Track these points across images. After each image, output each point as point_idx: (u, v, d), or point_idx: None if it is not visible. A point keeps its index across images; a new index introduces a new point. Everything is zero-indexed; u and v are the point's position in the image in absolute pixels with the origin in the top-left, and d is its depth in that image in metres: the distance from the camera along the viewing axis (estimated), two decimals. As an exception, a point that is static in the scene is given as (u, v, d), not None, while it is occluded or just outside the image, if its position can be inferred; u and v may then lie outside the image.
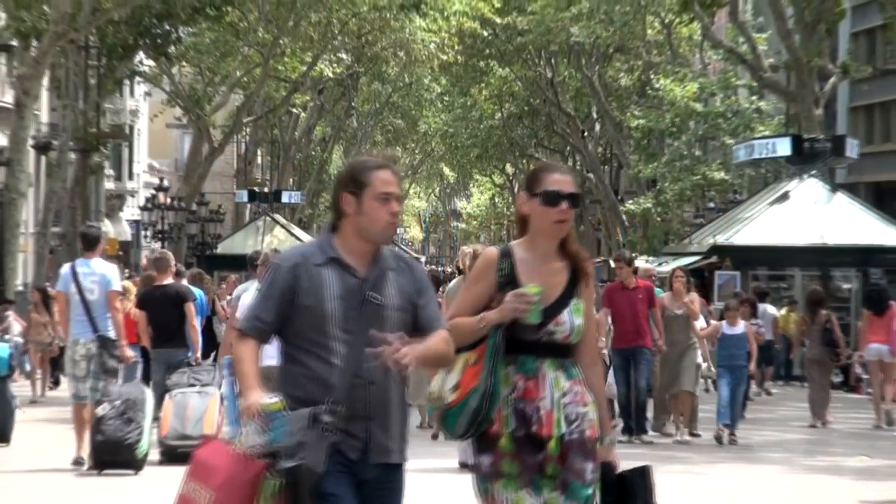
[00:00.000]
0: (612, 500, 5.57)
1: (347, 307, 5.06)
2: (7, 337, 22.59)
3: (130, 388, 15.19)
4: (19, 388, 20.46)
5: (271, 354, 14.08)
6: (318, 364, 5.04)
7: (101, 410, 14.41)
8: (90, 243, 16.00)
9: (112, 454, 14.27)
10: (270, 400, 4.99)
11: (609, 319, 17.88)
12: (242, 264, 30.12)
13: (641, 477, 5.77)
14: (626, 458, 13.69)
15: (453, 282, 17.94)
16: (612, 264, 22.69)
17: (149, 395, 14.99)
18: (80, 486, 14.00)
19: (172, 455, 14.80)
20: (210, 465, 4.94)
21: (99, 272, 15.27)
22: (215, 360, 17.50)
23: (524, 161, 69.58)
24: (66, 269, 16.07)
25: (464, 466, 15.36)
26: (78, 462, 14.69)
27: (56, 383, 25.61)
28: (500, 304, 5.50)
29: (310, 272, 5.09)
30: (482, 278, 5.69)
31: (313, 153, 63.94)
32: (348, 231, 5.17)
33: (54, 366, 25.21)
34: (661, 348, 18.08)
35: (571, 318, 5.56)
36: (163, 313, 16.16)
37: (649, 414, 19.03)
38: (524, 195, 5.72)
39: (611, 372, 17.71)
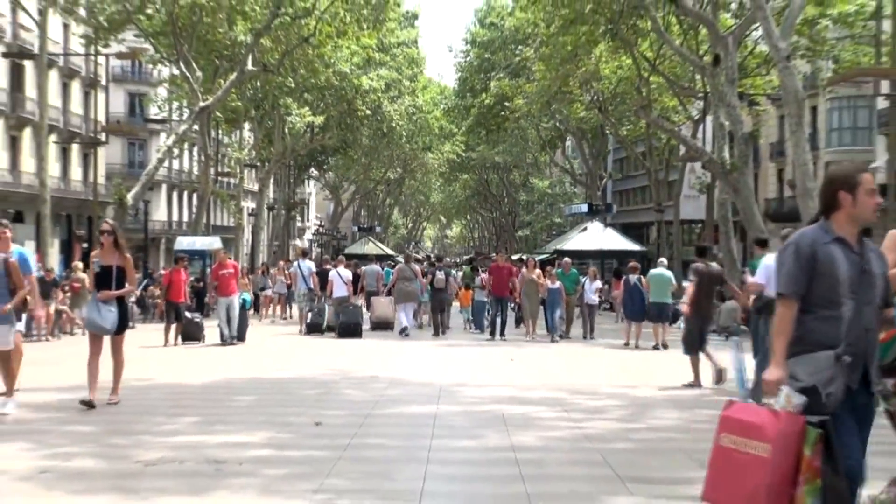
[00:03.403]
0: None
1: (853, 275, 3.13)
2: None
3: (325, 305, 15.13)
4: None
5: (340, 286, 14.45)
6: (834, 316, 3.09)
7: (310, 313, 14.94)
8: (336, 256, 16.73)
9: (314, 328, 14.79)
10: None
11: (490, 281, 15.50)
12: (351, 257, 30.66)
13: None
14: (498, 346, 13.24)
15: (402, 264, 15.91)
16: (495, 256, 19.03)
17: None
18: (301, 339, 14.13)
19: (330, 328, 14.81)
20: (751, 423, 3.06)
21: (307, 265, 15.75)
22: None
23: (474, 215, 68.83)
24: (294, 264, 16.47)
25: (402, 333, 14.38)
26: (301, 331, 15.16)
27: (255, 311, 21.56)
28: None
29: (823, 249, 3.15)
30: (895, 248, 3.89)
31: (385, 211, 63.97)
32: (842, 219, 3.19)
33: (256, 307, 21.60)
34: (516, 298, 15.99)
35: None
36: (324, 278, 14.74)
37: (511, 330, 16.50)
38: None
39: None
